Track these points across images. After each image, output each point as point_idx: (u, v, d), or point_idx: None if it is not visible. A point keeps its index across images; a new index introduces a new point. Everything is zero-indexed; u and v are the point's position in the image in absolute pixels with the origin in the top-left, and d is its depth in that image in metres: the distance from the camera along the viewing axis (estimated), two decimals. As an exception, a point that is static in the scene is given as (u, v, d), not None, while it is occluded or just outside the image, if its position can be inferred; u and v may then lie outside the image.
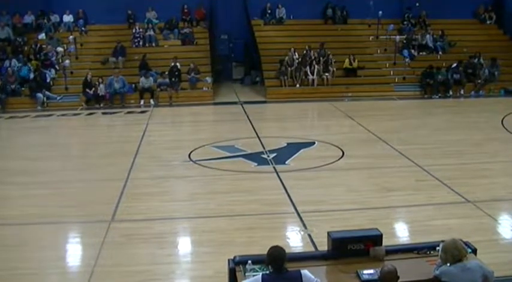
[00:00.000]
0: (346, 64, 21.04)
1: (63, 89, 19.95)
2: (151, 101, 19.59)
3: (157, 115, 18.00)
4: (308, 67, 20.71)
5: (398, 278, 4.52)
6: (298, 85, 20.60)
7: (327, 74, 20.58)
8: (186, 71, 20.51)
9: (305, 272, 4.68)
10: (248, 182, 10.54)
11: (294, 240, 7.88)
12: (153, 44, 22.33)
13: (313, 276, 4.68)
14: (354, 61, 21.03)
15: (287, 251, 4.77)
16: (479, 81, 20.55)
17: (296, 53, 20.93)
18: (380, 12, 22.09)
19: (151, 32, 22.44)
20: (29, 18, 22.73)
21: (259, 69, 22.44)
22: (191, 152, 12.55)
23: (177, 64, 20.54)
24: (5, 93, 19.16)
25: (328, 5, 23.98)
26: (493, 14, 24.17)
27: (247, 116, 17.12)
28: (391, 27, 22.47)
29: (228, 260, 5.36)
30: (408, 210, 8.94)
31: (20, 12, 22.60)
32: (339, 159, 11.89)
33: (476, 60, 21.09)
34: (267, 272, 4.75)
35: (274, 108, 19.48)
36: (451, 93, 20.32)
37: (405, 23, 23.40)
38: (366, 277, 4.95)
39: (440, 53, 22.28)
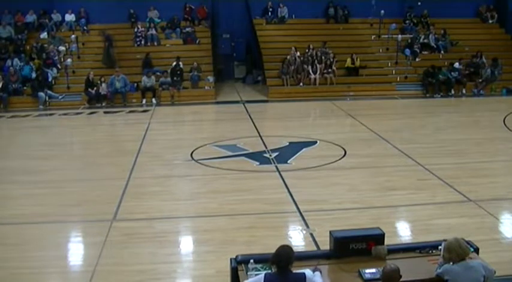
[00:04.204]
0: (348, 63, 21.04)
1: (65, 88, 19.96)
2: (153, 100, 19.58)
3: (159, 114, 18.00)
4: (310, 66, 20.70)
5: (400, 277, 4.52)
6: (300, 84, 20.60)
7: (329, 73, 20.58)
8: (188, 70, 20.52)
9: (315, 275, 4.69)
10: (250, 181, 10.53)
11: (296, 239, 7.87)
12: (155, 43, 22.32)
13: (320, 280, 4.68)
14: (356, 60, 21.02)
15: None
16: (480, 80, 20.53)
17: (298, 52, 20.92)
18: (382, 11, 22.07)
19: (153, 31, 22.43)
20: (30, 18, 22.73)
21: (261, 68, 22.44)
22: (193, 151, 12.55)
23: (180, 63, 20.57)
24: (7, 92, 19.15)
25: (330, 4, 23.99)
26: (495, 13, 24.16)
27: (249, 115, 17.11)
28: (393, 27, 22.46)
29: (230, 259, 5.35)
30: (410, 209, 8.92)
31: (22, 11, 22.59)
32: (340, 158, 11.88)
33: (478, 60, 21.07)
34: (271, 271, 4.74)
35: (276, 107, 19.48)
36: (452, 92, 20.30)
37: (407, 22, 23.40)
38: (368, 276, 4.95)
39: (442, 52, 22.26)
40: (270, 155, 12.19)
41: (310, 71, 20.62)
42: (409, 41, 22.26)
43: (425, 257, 5.38)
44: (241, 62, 24.86)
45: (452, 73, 20.46)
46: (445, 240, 4.99)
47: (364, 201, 9.16)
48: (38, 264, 7.08)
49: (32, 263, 7.10)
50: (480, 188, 9.62)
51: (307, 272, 4.71)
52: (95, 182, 10.62)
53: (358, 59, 21.09)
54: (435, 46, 22.38)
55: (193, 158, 12.08)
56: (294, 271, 4.62)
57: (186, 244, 8.01)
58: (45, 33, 22.16)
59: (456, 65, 20.69)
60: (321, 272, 4.85)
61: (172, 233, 8.19)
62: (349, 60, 21.03)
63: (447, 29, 22.92)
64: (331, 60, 20.85)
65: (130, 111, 18.48)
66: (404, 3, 24.06)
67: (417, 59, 21.82)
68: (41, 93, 19.06)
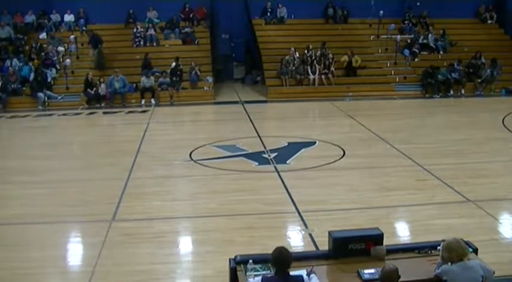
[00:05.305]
0: (345, 60, 20.93)
1: (64, 89, 19.96)
2: (152, 101, 19.58)
3: (158, 114, 17.99)
4: (309, 67, 20.70)
5: (399, 277, 4.52)
6: (299, 84, 20.60)
7: (327, 74, 20.58)
8: (188, 71, 20.51)
9: (311, 278, 4.69)
10: (249, 182, 10.54)
11: (295, 239, 7.88)
12: (154, 44, 22.31)
13: None
14: (354, 58, 20.94)
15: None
16: (479, 81, 20.54)
17: (297, 53, 20.92)
18: (381, 11, 22.08)
19: (152, 32, 22.41)
20: (30, 18, 22.74)
21: (260, 69, 22.43)
22: (192, 152, 12.55)
23: (179, 63, 20.57)
24: (6, 92, 19.15)
25: (329, 4, 23.99)
26: (494, 14, 24.17)
27: (248, 116, 17.11)
28: (392, 27, 22.47)
29: (229, 259, 5.35)
30: (409, 210, 8.93)
31: (21, 11, 22.60)
32: (339, 158, 11.89)
33: (477, 60, 21.06)
34: (269, 273, 4.74)
35: (275, 107, 19.48)
36: (451, 92, 20.32)
37: (406, 22, 23.41)
38: (367, 276, 4.95)
39: (441, 52, 22.27)
40: (269, 156, 12.19)
41: (309, 72, 20.62)
42: (408, 41, 22.27)
43: (425, 257, 5.38)
44: (240, 62, 24.86)
45: (452, 74, 20.47)
46: (443, 241, 4.99)
47: (363, 202, 9.17)
48: (38, 265, 7.09)
49: (32, 263, 7.10)
50: (479, 189, 9.63)
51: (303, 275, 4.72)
52: (94, 182, 10.62)
53: (358, 59, 21.06)
54: (434, 46, 22.37)
55: (192, 158, 12.08)
56: (292, 273, 4.61)
57: (185, 244, 8.02)
58: (44, 33, 22.16)
59: (455, 65, 20.70)
60: (315, 273, 4.85)
61: (171, 233, 8.19)
62: (345, 58, 20.98)
63: (446, 29, 22.92)
64: (330, 60, 20.84)
65: (130, 112, 18.47)
66: (404, 4, 24.08)
67: (416, 60, 21.84)
68: (40, 94, 19.05)
